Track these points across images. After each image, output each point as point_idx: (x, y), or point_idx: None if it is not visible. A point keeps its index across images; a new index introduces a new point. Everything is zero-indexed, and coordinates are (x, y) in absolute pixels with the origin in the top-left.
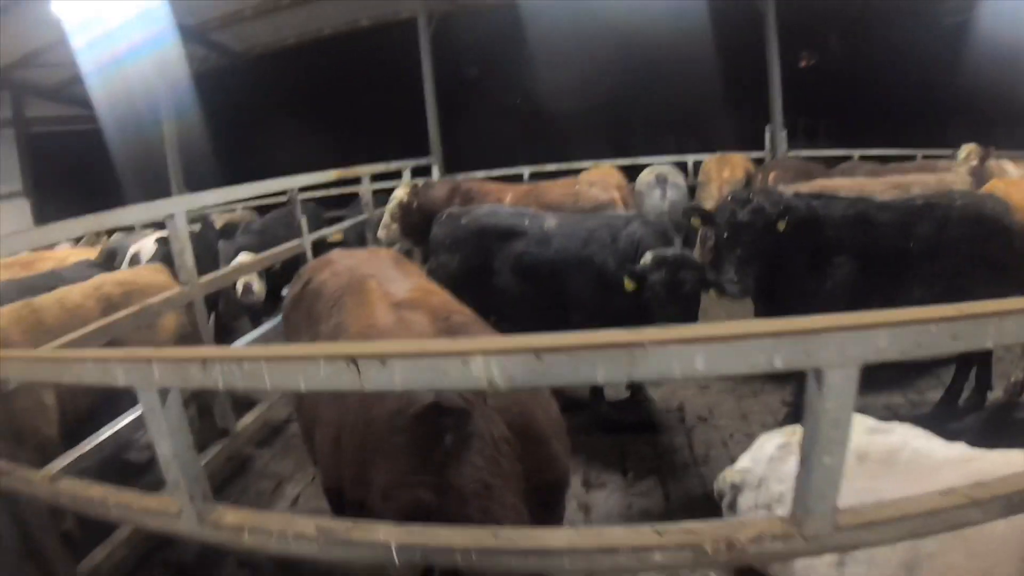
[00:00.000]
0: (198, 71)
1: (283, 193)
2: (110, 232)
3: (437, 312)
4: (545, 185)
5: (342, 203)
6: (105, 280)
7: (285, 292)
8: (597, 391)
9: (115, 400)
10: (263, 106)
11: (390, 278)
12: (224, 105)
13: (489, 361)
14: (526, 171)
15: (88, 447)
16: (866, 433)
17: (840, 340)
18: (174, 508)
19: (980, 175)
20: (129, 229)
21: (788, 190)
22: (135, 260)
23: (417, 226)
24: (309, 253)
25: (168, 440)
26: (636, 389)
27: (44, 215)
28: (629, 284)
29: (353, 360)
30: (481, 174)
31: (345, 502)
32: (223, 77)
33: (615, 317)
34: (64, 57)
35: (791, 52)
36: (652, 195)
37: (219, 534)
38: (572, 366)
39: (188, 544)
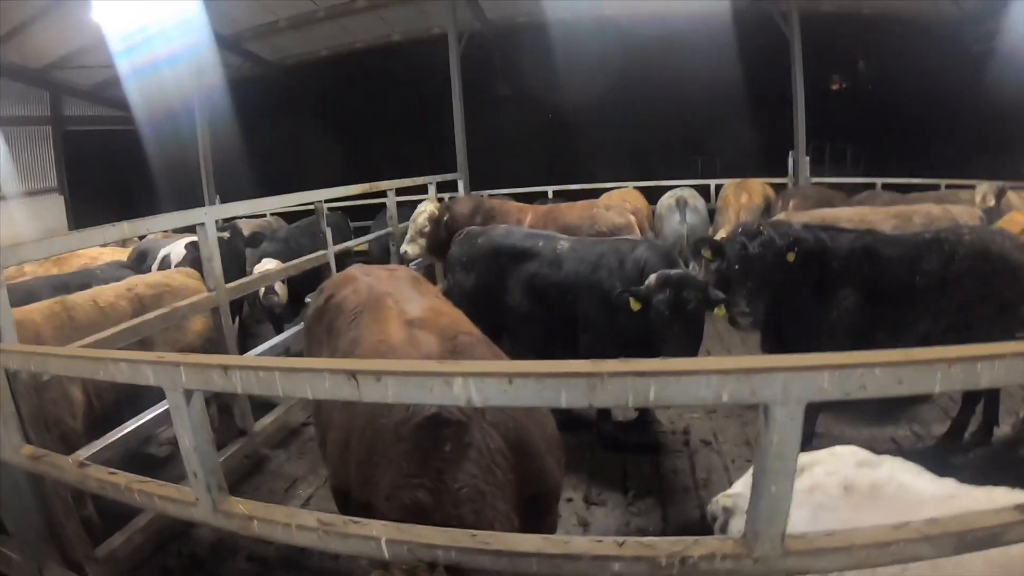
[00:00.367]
0: (232, 79)
1: (310, 204)
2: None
3: (445, 332)
4: (564, 207)
5: (369, 213)
6: (138, 282)
7: (308, 299)
8: (603, 410)
9: (137, 397)
10: (294, 115)
11: (406, 297)
12: (256, 112)
13: (468, 382)
14: (550, 190)
15: (112, 439)
16: (855, 466)
17: (784, 379)
18: (191, 497)
19: (995, 213)
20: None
21: (793, 219)
22: (165, 263)
23: (444, 242)
24: (333, 265)
25: (190, 435)
26: (643, 410)
27: (78, 211)
28: (635, 304)
29: (353, 375)
30: (506, 191)
31: (351, 501)
32: (256, 85)
33: (623, 337)
34: (102, 60)
35: (817, 78)
36: (672, 219)
37: (231, 522)
38: (538, 390)
39: (202, 536)
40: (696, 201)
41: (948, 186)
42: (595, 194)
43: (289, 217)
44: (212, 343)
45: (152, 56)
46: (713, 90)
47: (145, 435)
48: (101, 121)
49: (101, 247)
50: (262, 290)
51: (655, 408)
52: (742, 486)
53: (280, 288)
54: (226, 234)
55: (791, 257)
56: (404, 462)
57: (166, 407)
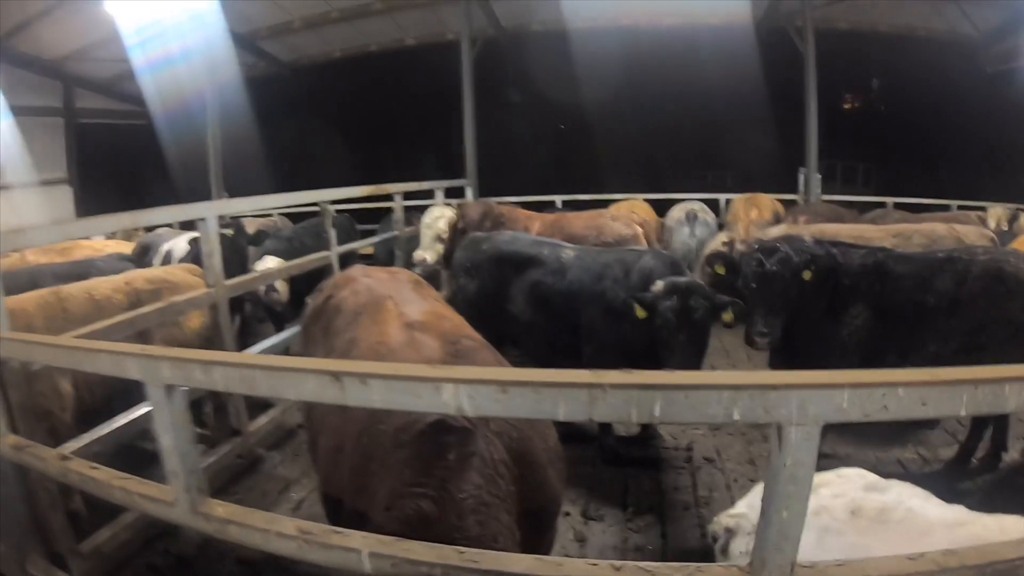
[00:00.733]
0: (245, 77)
1: (315, 204)
2: (148, 228)
3: (447, 336)
4: (571, 216)
5: (376, 217)
6: (137, 276)
7: (308, 300)
8: (606, 424)
9: (129, 392)
10: (305, 114)
11: (407, 299)
12: (267, 111)
13: (459, 389)
14: (559, 199)
15: (101, 433)
16: (863, 489)
17: (801, 398)
18: (170, 496)
19: (1008, 236)
20: (167, 226)
21: (773, 232)
22: (167, 258)
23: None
24: (336, 266)
25: (170, 433)
26: (646, 425)
27: (86, 203)
28: (640, 312)
29: (337, 376)
30: (514, 199)
31: (343, 510)
32: (269, 84)
33: (627, 350)
34: (116, 53)
35: (831, 96)
36: (681, 231)
37: (208, 525)
38: (535, 401)
39: (190, 535)
40: (706, 215)
41: (960, 207)
42: (603, 204)
43: (296, 218)
44: (210, 343)
45: (166, 51)
46: (726, 104)
47: (137, 430)
48: (113, 115)
49: (106, 239)
50: (263, 288)
51: (659, 424)
52: (745, 506)
53: (281, 286)
54: (229, 231)
55: (807, 275)
56: (405, 470)
57: None
